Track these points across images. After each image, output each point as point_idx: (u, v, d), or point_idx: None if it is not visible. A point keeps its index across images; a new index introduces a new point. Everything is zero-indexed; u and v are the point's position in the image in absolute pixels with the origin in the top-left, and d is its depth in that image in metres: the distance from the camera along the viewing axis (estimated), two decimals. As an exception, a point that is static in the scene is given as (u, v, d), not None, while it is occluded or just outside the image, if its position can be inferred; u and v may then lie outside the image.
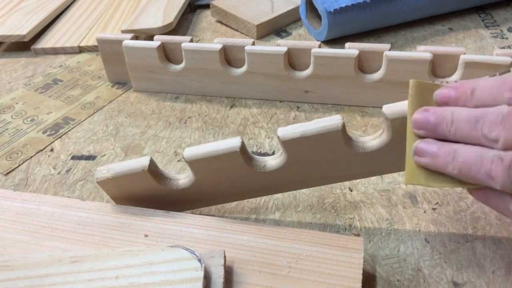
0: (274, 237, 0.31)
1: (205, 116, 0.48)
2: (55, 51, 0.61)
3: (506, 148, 0.22)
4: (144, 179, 0.32)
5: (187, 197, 0.34)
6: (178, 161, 0.42)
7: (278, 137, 0.30)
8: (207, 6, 0.70)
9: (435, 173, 0.25)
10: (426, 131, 0.26)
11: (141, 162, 0.32)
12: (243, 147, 0.31)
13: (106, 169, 0.32)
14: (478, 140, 0.24)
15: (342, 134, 0.29)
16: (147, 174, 0.32)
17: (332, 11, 0.55)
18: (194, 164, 0.31)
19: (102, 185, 0.33)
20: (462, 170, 0.24)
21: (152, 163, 0.32)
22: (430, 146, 0.25)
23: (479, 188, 0.25)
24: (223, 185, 0.33)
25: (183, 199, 0.34)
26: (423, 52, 0.44)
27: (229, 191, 0.34)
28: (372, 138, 0.31)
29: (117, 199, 0.34)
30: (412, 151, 0.26)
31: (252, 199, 0.37)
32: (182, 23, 0.67)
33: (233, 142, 0.31)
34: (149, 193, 0.33)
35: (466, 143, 0.24)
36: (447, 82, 0.27)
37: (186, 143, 0.44)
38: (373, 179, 0.39)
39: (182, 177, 0.34)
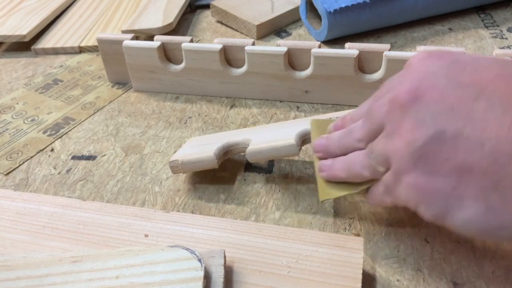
0: (274, 237, 0.31)
1: (205, 116, 0.48)
2: (55, 51, 0.61)
3: (368, 142, 0.29)
4: None
5: None
6: (178, 161, 0.42)
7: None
8: (207, 6, 0.71)
9: (337, 186, 0.31)
10: (322, 152, 0.33)
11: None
12: None
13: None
14: (354, 146, 0.30)
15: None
16: None
17: (332, 11, 0.55)
18: None
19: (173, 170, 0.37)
20: (348, 171, 0.30)
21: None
22: (327, 161, 0.32)
23: (367, 190, 0.30)
24: None
25: None
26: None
27: None
28: None
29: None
30: (317, 170, 0.33)
31: (252, 199, 0.38)
32: (182, 23, 0.67)
33: None
34: None
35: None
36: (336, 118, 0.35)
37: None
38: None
39: None
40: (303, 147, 0.38)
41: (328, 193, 0.32)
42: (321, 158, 0.33)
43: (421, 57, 0.28)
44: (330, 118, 0.34)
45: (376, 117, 0.28)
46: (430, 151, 0.25)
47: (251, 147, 0.36)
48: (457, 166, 0.24)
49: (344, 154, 0.31)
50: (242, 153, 0.39)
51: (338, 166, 0.31)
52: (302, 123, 0.39)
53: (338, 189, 0.31)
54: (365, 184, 0.30)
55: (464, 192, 0.24)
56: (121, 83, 0.54)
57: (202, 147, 0.38)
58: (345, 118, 0.33)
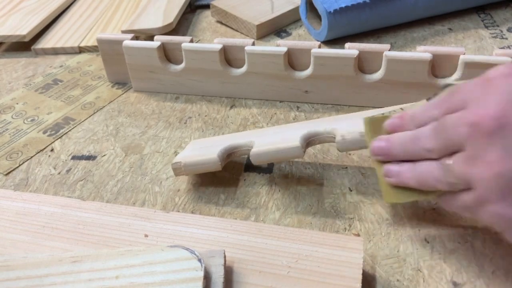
0: (274, 237, 0.31)
1: (205, 116, 0.48)
2: (55, 51, 0.61)
3: (439, 155, 0.28)
4: None
5: None
6: (178, 161, 0.42)
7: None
8: (207, 6, 0.70)
9: (405, 190, 0.31)
10: (383, 156, 0.31)
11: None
12: None
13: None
14: (421, 154, 0.29)
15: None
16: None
17: (332, 11, 0.55)
18: None
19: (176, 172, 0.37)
20: (420, 181, 0.29)
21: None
22: (393, 167, 0.31)
23: (440, 195, 0.29)
24: None
25: None
26: (422, 52, 0.44)
27: None
28: None
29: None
30: (382, 174, 0.32)
31: (252, 199, 0.37)
32: (182, 23, 0.67)
33: None
34: None
35: (417, 160, 0.30)
36: (401, 109, 0.33)
37: (186, 143, 0.44)
38: (373, 179, 0.39)
39: None
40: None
41: (396, 197, 0.31)
42: (381, 160, 0.32)
43: (503, 73, 0.27)
44: (383, 114, 0.33)
45: (453, 135, 0.27)
46: None
47: (255, 149, 0.36)
48: None
49: (409, 159, 0.30)
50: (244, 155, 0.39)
51: (408, 175, 0.30)
52: (306, 126, 0.39)
53: (407, 194, 0.31)
54: (437, 192, 0.29)
55: None
56: (121, 83, 0.54)
57: (205, 150, 0.38)
58: (403, 118, 0.31)
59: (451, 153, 0.27)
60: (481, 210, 0.26)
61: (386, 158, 0.31)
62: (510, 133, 0.25)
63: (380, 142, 0.31)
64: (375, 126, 0.32)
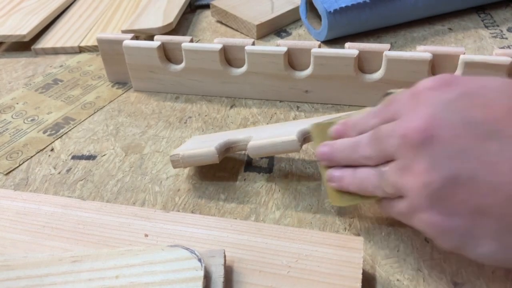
0: (274, 236, 0.31)
1: (205, 116, 0.48)
2: (55, 51, 0.61)
3: (377, 163, 0.29)
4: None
5: None
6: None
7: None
8: (207, 6, 0.71)
9: (348, 194, 0.32)
10: (326, 161, 0.32)
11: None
12: None
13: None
14: (360, 161, 0.30)
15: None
16: None
17: (332, 11, 0.55)
18: None
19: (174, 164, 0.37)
20: (360, 187, 0.30)
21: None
22: (335, 172, 0.32)
23: (379, 201, 0.30)
24: None
25: None
26: (423, 52, 0.44)
27: None
28: None
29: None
30: (325, 177, 0.33)
31: (252, 198, 0.38)
32: (182, 23, 0.67)
33: None
34: None
35: (358, 166, 0.31)
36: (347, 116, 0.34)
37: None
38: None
39: None
40: (303, 147, 0.38)
41: (340, 201, 0.32)
42: (327, 166, 0.33)
43: (430, 86, 0.28)
44: (331, 120, 0.34)
45: (385, 146, 0.28)
46: (445, 194, 0.25)
47: (252, 142, 0.36)
48: (472, 209, 0.25)
49: (350, 165, 0.31)
50: (243, 152, 0.39)
51: (348, 180, 0.31)
52: (304, 123, 0.39)
53: (349, 199, 0.32)
54: (376, 197, 0.31)
55: (479, 233, 0.25)
56: (121, 83, 0.54)
57: (204, 143, 0.39)
58: (346, 124, 0.33)
59: (386, 162, 0.29)
60: (414, 217, 0.27)
61: (330, 163, 0.32)
62: (435, 145, 0.25)
63: (323, 148, 0.33)
64: (322, 131, 0.34)
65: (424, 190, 0.26)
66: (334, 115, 0.40)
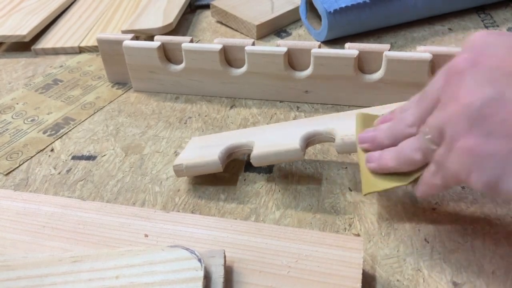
0: (274, 237, 0.31)
1: (205, 116, 0.48)
2: (55, 51, 0.61)
3: (420, 125, 0.29)
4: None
5: None
6: (178, 161, 0.42)
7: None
8: (207, 7, 0.71)
9: (384, 177, 0.31)
10: (368, 143, 0.32)
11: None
12: None
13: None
14: (404, 133, 0.30)
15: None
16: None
17: (332, 11, 0.55)
18: None
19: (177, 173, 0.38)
20: (399, 158, 0.29)
21: None
22: (375, 152, 0.31)
23: (415, 181, 0.30)
24: None
25: None
26: (423, 52, 0.44)
27: None
28: None
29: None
30: (364, 163, 0.32)
31: (252, 199, 0.38)
32: (182, 24, 0.67)
33: None
34: None
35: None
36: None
37: (186, 143, 0.44)
38: (373, 179, 0.39)
39: None
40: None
41: (374, 185, 0.31)
42: (367, 150, 0.32)
43: (482, 33, 0.27)
44: (376, 114, 0.34)
45: (431, 92, 0.27)
46: (487, 113, 0.24)
47: (255, 152, 0.36)
48: None
49: (393, 143, 0.30)
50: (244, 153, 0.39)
51: (389, 156, 0.30)
52: (305, 124, 0.39)
53: (386, 181, 0.31)
54: (415, 174, 0.30)
55: None
56: (121, 83, 0.54)
57: (206, 149, 0.39)
58: (394, 111, 0.32)
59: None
60: (450, 158, 0.26)
61: (371, 146, 0.32)
62: (481, 69, 0.25)
63: (367, 131, 0.33)
64: (366, 121, 0.33)
65: (465, 112, 0.24)
66: (338, 114, 0.40)
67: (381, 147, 0.31)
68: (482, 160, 0.24)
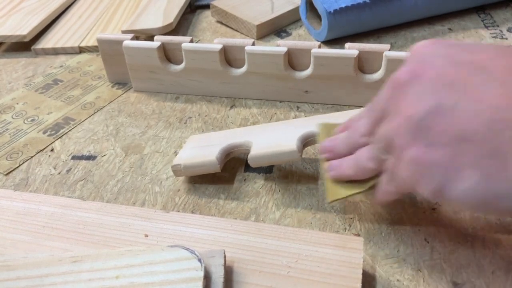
0: (274, 237, 0.31)
1: (205, 116, 0.48)
2: (55, 51, 0.61)
3: (371, 133, 0.29)
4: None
5: None
6: (178, 161, 0.42)
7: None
8: (207, 7, 0.71)
9: (345, 186, 0.32)
10: (328, 152, 0.33)
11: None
12: None
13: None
14: (359, 143, 0.31)
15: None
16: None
17: (332, 11, 0.55)
18: None
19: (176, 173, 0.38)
20: (356, 167, 0.31)
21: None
22: (335, 161, 0.32)
23: (375, 186, 0.31)
24: None
25: None
26: (423, 52, 0.44)
27: None
28: None
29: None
30: (326, 172, 0.33)
31: (252, 199, 0.38)
32: (182, 23, 0.67)
33: None
34: None
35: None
36: None
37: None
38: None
39: None
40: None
41: (336, 193, 0.32)
42: (329, 159, 0.33)
43: (422, 44, 0.28)
44: (337, 123, 0.35)
45: (378, 104, 0.29)
46: (428, 124, 0.25)
47: (253, 153, 0.36)
48: (455, 136, 0.24)
49: (351, 152, 0.31)
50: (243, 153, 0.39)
51: (346, 165, 0.31)
52: (303, 123, 0.39)
53: (346, 189, 0.32)
54: (371, 181, 0.30)
55: (462, 161, 0.24)
56: (121, 83, 0.54)
57: (204, 149, 0.39)
58: (350, 119, 0.33)
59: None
60: (400, 167, 0.26)
61: (331, 155, 0.33)
62: (421, 82, 0.26)
63: (327, 141, 0.34)
64: (328, 131, 0.35)
65: (407, 124, 0.25)
66: (337, 114, 0.40)
67: (340, 156, 0.32)
68: (426, 169, 0.25)
